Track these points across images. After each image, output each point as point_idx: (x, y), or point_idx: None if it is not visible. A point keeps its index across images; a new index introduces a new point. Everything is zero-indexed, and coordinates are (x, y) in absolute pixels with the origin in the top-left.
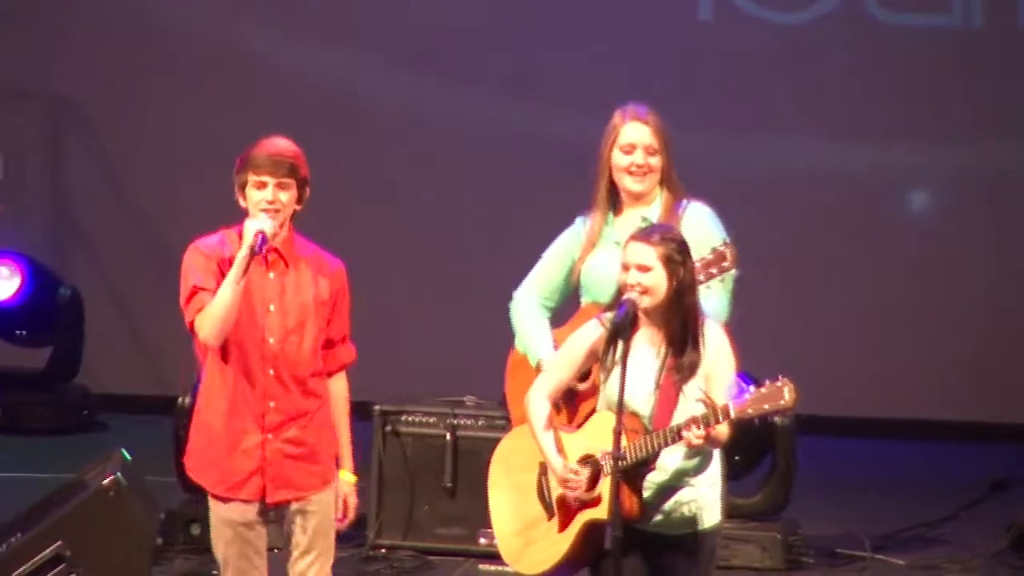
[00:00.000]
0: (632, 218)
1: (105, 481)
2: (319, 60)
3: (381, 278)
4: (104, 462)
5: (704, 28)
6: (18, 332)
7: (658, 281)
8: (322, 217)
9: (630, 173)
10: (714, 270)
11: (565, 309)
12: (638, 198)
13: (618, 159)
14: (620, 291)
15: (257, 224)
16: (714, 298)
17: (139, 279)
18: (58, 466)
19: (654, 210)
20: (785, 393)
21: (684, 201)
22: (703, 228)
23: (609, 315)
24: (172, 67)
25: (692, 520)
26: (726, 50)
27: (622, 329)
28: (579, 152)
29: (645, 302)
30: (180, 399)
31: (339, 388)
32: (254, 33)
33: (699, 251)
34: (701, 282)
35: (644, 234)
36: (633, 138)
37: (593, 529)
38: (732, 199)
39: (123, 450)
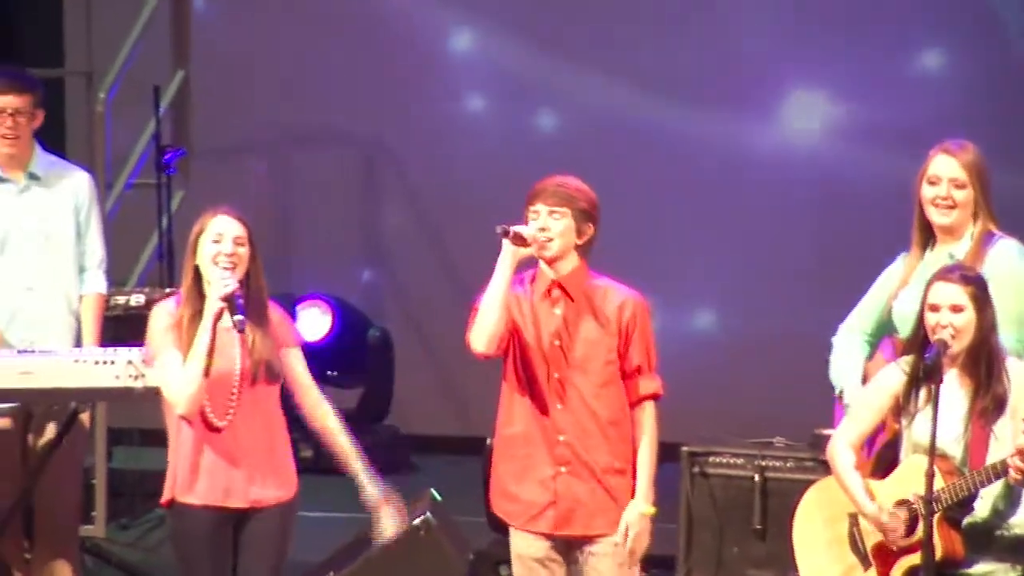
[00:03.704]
0: (941, 255)
1: (416, 521)
2: (631, 101)
3: (690, 317)
4: (414, 502)
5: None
6: (329, 373)
7: (968, 321)
8: (632, 257)
9: (935, 205)
10: None
11: None
12: (947, 232)
13: (925, 191)
14: (918, 332)
15: (519, 227)
16: None
17: (447, 321)
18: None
19: (962, 245)
20: None
21: (994, 236)
22: (1008, 264)
23: (908, 359)
24: (484, 110)
25: (1011, 564)
26: None
27: (933, 371)
28: (901, 194)
29: (955, 344)
30: (488, 440)
31: (641, 419)
32: (560, 73)
33: (1000, 288)
34: None
35: (946, 273)
36: (939, 170)
37: (914, 575)
38: None
39: (433, 490)
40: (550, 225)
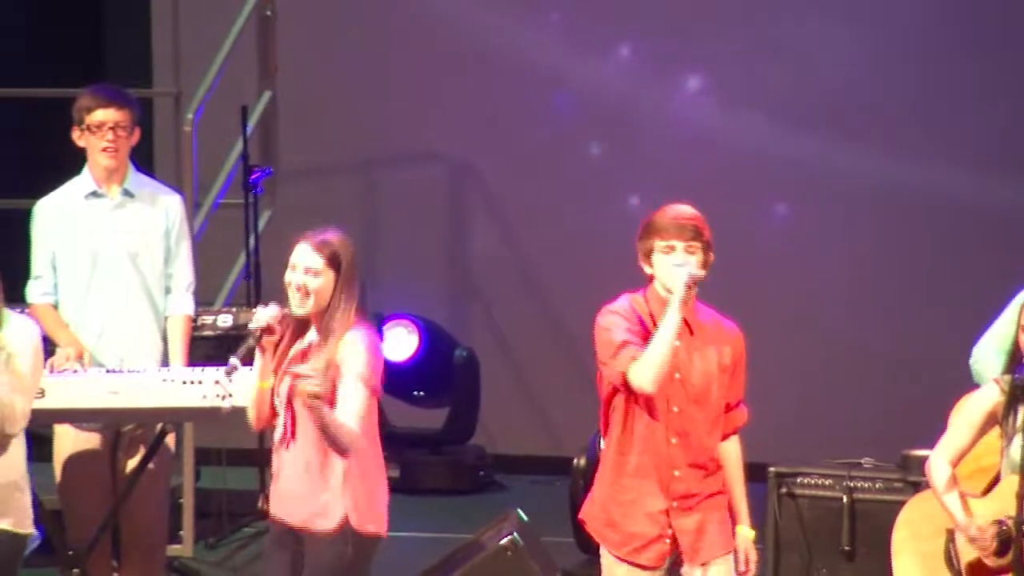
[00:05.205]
0: None
1: (502, 541)
2: (727, 120)
3: (779, 340)
4: (501, 522)
5: None
6: (416, 392)
7: None
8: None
9: None
10: None
11: None
12: None
13: None
14: (1015, 352)
15: (686, 269)
16: None
17: (534, 342)
18: (455, 526)
19: None
20: None
21: None
22: None
23: (1007, 378)
24: (571, 137)
25: None
26: None
27: (1023, 391)
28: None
29: None
30: (575, 460)
31: (733, 449)
32: (651, 94)
33: None
34: None
35: None
36: None
37: None
38: None
39: (519, 510)
40: (689, 260)
